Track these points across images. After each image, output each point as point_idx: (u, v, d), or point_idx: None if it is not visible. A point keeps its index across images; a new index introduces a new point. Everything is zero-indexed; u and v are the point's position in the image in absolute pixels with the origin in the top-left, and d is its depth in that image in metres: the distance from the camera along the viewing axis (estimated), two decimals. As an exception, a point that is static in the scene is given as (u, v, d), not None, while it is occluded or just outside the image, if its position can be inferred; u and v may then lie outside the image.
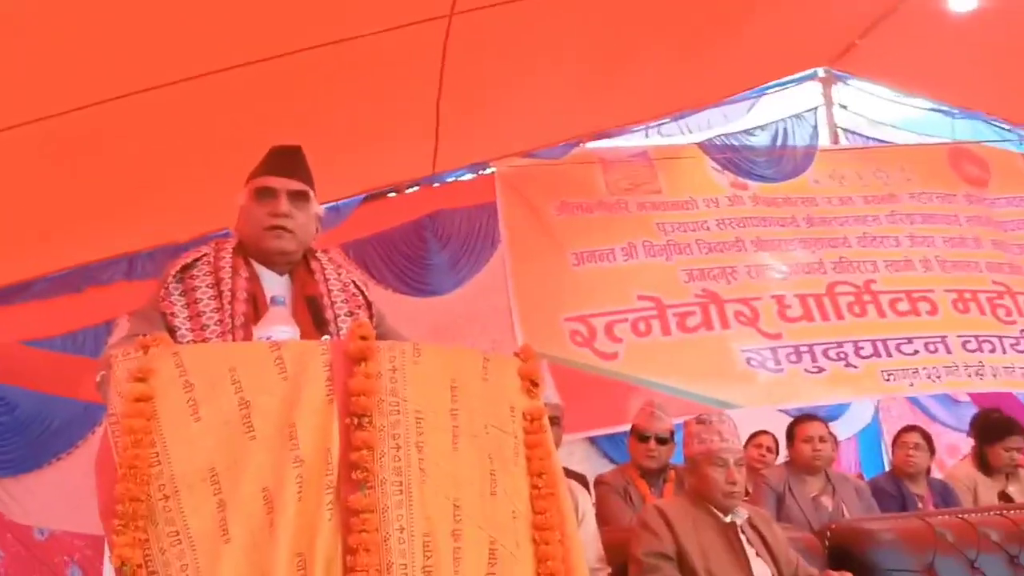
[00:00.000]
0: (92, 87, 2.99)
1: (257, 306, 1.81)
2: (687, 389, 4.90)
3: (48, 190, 3.50)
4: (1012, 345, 5.33)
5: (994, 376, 5.20)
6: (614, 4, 4.06)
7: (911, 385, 5.16)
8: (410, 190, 5.11)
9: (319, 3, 3.13)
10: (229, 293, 1.79)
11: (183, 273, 1.84)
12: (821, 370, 5.09)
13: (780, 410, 5.48)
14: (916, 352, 5.19)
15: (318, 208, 2.00)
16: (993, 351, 5.27)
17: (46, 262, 4.10)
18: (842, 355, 5.13)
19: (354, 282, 2.02)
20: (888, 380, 5.12)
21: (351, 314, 1.92)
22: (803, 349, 5.13)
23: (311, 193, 1.96)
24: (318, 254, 2.02)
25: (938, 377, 5.15)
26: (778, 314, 5.20)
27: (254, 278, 1.87)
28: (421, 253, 4.98)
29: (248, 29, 3.09)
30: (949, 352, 5.21)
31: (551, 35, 4.12)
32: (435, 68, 3.87)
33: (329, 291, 1.93)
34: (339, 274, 2.00)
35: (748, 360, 5.05)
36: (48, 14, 2.57)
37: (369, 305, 1.99)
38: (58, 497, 4.00)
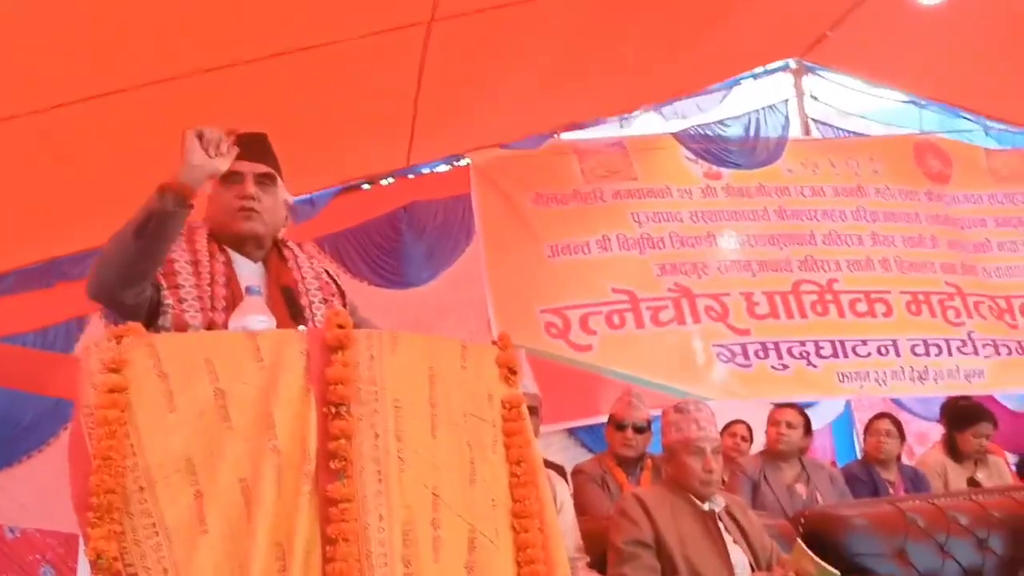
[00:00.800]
0: (69, 85, 2.97)
1: (233, 292, 1.80)
2: (659, 382, 4.95)
3: (18, 184, 3.45)
4: (958, 348, 5.43)
5: (935, 381, 5.31)
6: (588, -4, 4.07)
7: (860, 387, 5.27)
8: (385, 182, 5.08)
9: (302, 9, 3.13)
10: (208, 275, 1.78)
11: None
12: (786, 367, 5.17)
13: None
14: (868, 354, 5.29)
15: (287, 195, 1.99)
16: (939, 354, 5.38)
17: (15, 257, 4.04)
18: (805, 354, 5.22)
19: (327, 271, 2.02)
20: (841, 382, 5.23)
21: (325, 302, 1.91)
22: (770, 346, 5.21)
23: (278, 177, 1.95)
24: (290, 243, 2.01)
25: (884, 381, 5.26)
26: (747, 310, 5.27)
27: (229, 263, 1.86)
28: (396, 245, 4.96)
29: (229, 30, 3.08)
30: (899, 355, 5.31)
31: (527, 27, 4.13)
32: (414, 67, 3.88)
33: (303, 279, 1.92)
34: (311, 263, 2.00)
35: (719, 355, 5.11)
36: (28, 11, 2.54)
37: (342, 294, 1.99)
38: (29, 495, 3.95)
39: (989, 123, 6.24)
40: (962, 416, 4.49)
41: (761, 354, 5.17)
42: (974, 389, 5.37)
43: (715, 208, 5.54)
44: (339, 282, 2.02)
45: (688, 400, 2.98)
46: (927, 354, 5.37)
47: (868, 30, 5.37)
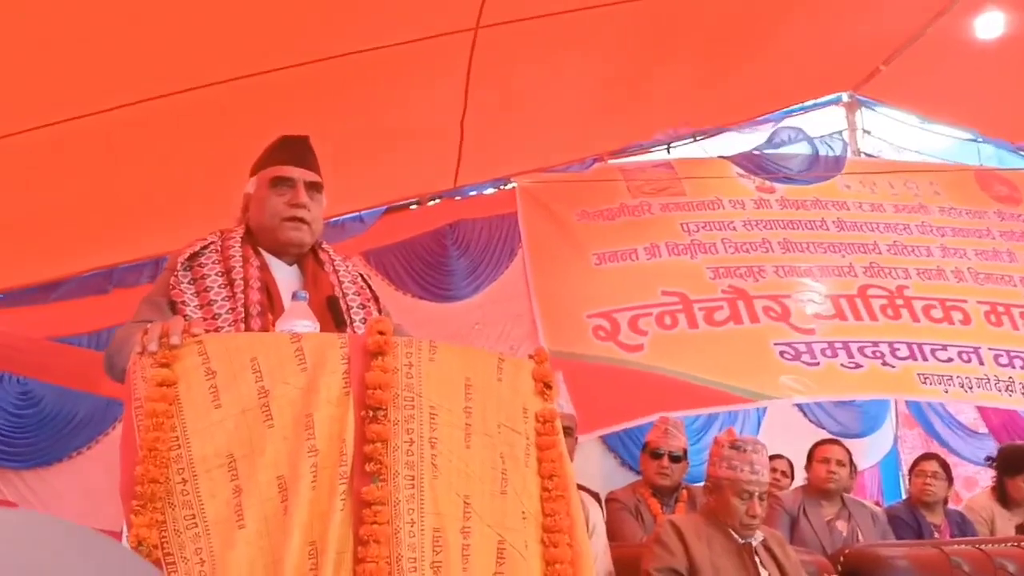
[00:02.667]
0: (125, 89, 3.06)
1: (271, 295, 1.81)
2: (718, 380, 4.74)
3: (78, 193, 3.57)
4: None
5: None
6: (638, 22, 4.10)
7: (946, 391, 4.96)
8: (432, 203, 5.16)
9: (346, 13, 3.19)
10: (241, 282, 1.78)
11: (191, 261, 1.83)
12: (858, 366, 4.89)
13: (810, 420, 5.36)
14: (950, 359, 5.02)
15: (324, 199, 1.99)
16: None
17: (75, 263, 4.19)
18: (878, 354, 4.94)
19: (361, 275, 2.02)
20: (924, 383, 4.93)
21: (363, 307, 1.92)
22: (838, 345, 4.94)
23: (323, 184, 1.96)
24: (325, 246, 2.02)
25: (971, 387, 4.97)
26: (810, 311, 5.05)
27: (265, 267, 1.86)
28: (441, 260, 5.01)
29: (275, 35, 3.15)
30: (982, 364, 5.03)
31: (574, 51, 4.17)
32: (460, 84, 3.92)
33: (340, 283, 1.93)
34: (347, 267, 2.01)
35: (781, 353, 4.88)
36: (80, 16, 2.64)
37: (377, 299, 1.99)
38: (76, 492, 4.04)
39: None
40: (1016, 461, 4.35)
41: (829, 353, 4.90)
42: None
43: (770, 218, 5.37)
44: (372, 286, 2.02)
45: (748, 439, 2.85)
46: (1011, 365, 5.08)
47: (923, 64, 5.32)
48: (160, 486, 1.34)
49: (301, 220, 1.89)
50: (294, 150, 1.92)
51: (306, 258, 1.95)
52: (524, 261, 5.03)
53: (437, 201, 5.19)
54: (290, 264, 1.93)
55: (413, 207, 5.13)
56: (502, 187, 5.27)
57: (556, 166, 5.26)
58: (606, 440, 5.18)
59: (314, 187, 1.93)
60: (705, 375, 4.75)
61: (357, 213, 4.78)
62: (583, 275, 5.03)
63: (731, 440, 2.82)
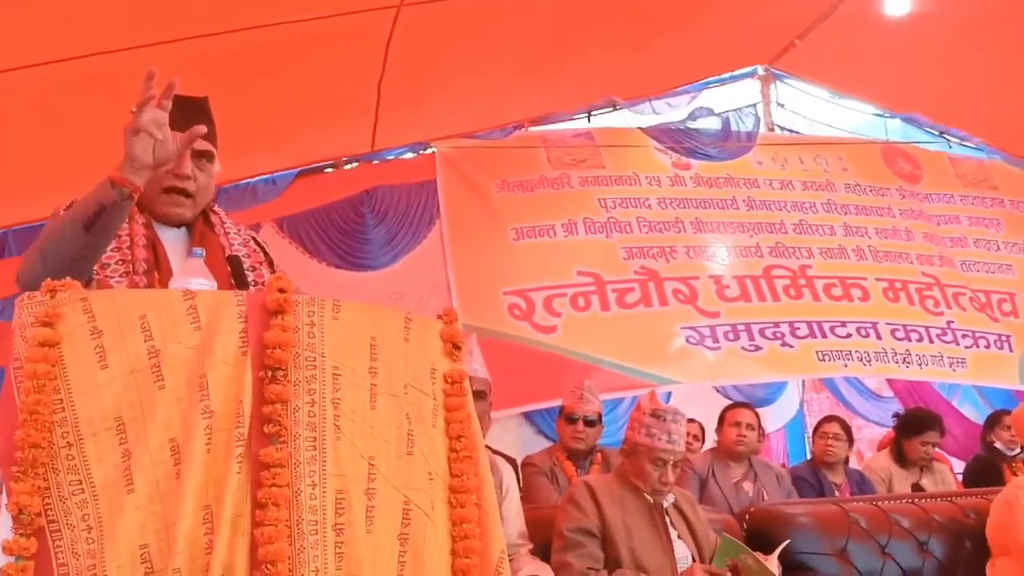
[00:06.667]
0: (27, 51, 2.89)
1: (157, 254, 1.73)
2: (626, 364, 4.89)
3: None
4: (939, 335, 5.46)
5: (920, 365, 5.33)
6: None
7: (845, 366, 5.23)
8: (348, 166, 5.05)
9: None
10: (128, 238, 1.70)
11: None
12: (758, 348, 5.12)
13: (718, 390, 5.54)
14: (849, 335, 5.26)
15: (218, 166, 1.88)
16: (920, 340, 5.40)
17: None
18: (779, 335, 5.16)
19: (254, 238, 1.95)
20: (823, 360, 5.18)
21: (253, 269, 1.85)
22: (740, 328, 5.14)
23: (215, 153, 1.85)
24: (217, 208, 1.93)
25: (869, 361, 5.23)
26: (716, 293, 5.22)
27: (150, 225, 1.77)
28: (358, 228, 4.93)
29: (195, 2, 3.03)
30: (880, 338, 5.29)
31: (496, 20, 4.13)
32: (379, 51, 3.86)
33: (231, 245, 1.86)
34: (239, 230, 1.94)
35: (687, 337, 5.05)
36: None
37: (271, 263, 1.92)
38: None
39: (951, 134, 6.35)
40: (913, 424, 4.56)
41: (731, 336, 5.11)
42: (958, 377, 5.43)
43: (683, 196, 5.50)
44: (267, 250, 1.95)
45: (668, 408, 2.86)
46: (907, 339, 5.35)
47: (836, 40, 5.45)
48: (42, 451, 1.26)
49: (182, 192, 1.79)
50: (184, 114, 1.76)
51: (196, 219, 1.86)
52: (442, 232, 4.99)
53: (354, 165, 5.09)
54: (177, 228, 1.84)
55: (328, 170, 5.01)
56: (421, 152, 5.20)
57: (477, 132, 5.21)
58: (524, 413, 5.22)
59: (203, 155, 1.82)
60: (614, 359, 4.91)
61: (269, 175, 4.64)
62: (500, 250, 5.06)
63: (652, 408, 2.83)
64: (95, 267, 1.66)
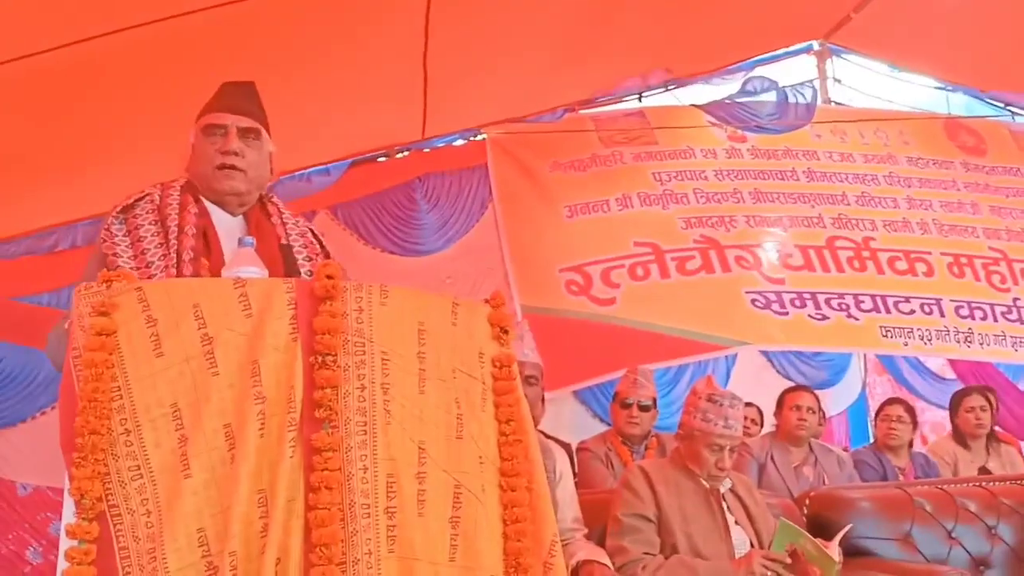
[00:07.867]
0: (81, 26, 2.94)
1: (208, 242, 1.77)
2: (690, 329, 4.83)
3: (41, 143, 3.46)
4: (1003, 313, 5.29)
5: (981, 345, 5.17)
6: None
7: (905, 344, 5.12)
8: (400, 155, 5.08)
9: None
10: (176, 228, 1.74)
11: (125, 213, 1.78)
12: (825, 318, 5.04)
13: (779, 371, 5.47)
14: (912, 312, 5.15)
15: (271, 146, 1.92)
16: (984, 318, 5.24)
17: (35, 219, 4.09)
18: (844, 306, 5.08)
19: (311, 230, 1.98)
20: (886, 336, 5.09)
21: (309, 260, 1.88)
22: (807, 296, 5.07)
23: (263, 131, 1.89)
24: (275, 199, 1.97)
25: (930, 340, 5.11)
26: (780, 261, 5.16)
27: (204, 214, 1.82)
28: (410, 214, 4.97)
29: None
30: (943, 316, 5.16)
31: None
32: (420, 25, 3.84)
33: (287, 235, 1.89)
34: (296, 221, 1.97)
35: (752, 300, 4.99)
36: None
37: (327, 255, 1.95)
38: (42, 452, 3.99)
39: (1017, 106, 6.11)
40: (956, 396, 4.47)
41: (798, 303, 5.04)
42: (1020, 357, 5.26)
43: (741, 167, 5.42)
44: (323, 242, 1.98)
45: (725, 393, 2.80)
46: (971, 316, 5.22)
47: (894, 13, 5.28)
48: (101, 437, 1.30)
49: (233, 167, 1.82)
50: (230, 97, 1.85)
51: (252, 209, 1.90)
52: (495, 214, 4.99)
53: (405, 153, 5.12)
54: (234, 215, 1.88)
55: (381, 159, 5.05)
56: (472, 138, 5.21)
57: (527, 116, 5.19)
58: (578, 394, 5.19)
59: (250, 132, 1.86)
60: (677, 325, 4.84)
61: (324, 166, 4.70)
62: (555, 228, 5.03)
63: (709, 392, 2.78)
64: (136, 265, 1.69)
